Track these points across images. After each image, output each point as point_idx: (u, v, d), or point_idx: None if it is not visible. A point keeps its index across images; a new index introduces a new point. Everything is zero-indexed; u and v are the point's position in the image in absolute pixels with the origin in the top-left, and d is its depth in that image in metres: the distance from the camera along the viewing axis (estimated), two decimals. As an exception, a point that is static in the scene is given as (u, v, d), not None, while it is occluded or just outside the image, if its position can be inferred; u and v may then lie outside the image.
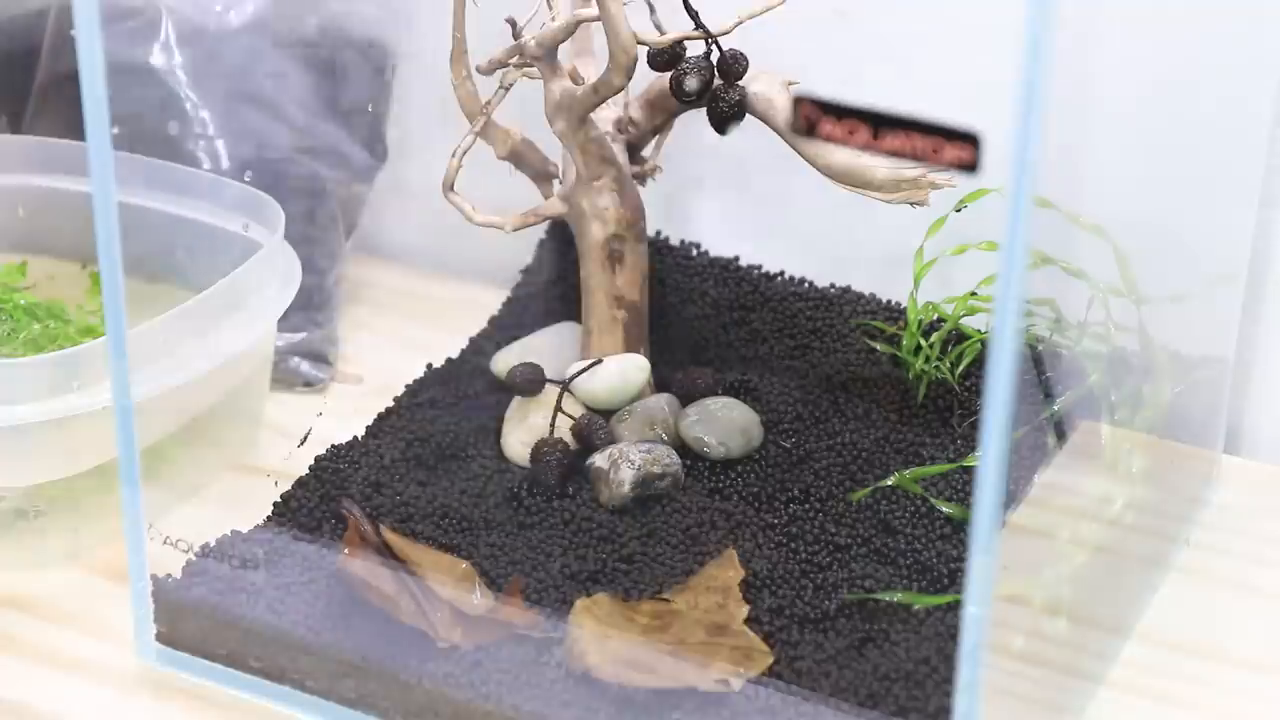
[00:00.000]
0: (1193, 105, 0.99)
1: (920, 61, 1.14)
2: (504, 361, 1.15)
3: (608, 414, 1.09)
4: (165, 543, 0.97)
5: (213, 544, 0.99)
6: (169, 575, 0.97)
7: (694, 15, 1.03)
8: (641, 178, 1.14)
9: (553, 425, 1.07)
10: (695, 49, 1.05)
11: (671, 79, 1.04)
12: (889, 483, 1.03)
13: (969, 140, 0.71)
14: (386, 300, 1.29)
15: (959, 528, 1.01)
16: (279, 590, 0.96)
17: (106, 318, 0.90)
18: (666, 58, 1.05)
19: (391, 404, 1.13)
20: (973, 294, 1.09)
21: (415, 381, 1.15)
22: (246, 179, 1.17)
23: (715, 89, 1.04)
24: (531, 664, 0.92)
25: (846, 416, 1.10)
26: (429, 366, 1.17)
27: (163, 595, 0.97)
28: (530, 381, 1.08)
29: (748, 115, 1.04)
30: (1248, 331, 1.14)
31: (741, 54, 1.04)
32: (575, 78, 1.07)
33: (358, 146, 1.25)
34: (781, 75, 1.05)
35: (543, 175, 1.14)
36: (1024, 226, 0.70)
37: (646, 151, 1.15)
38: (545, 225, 1.24)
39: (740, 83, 1.04)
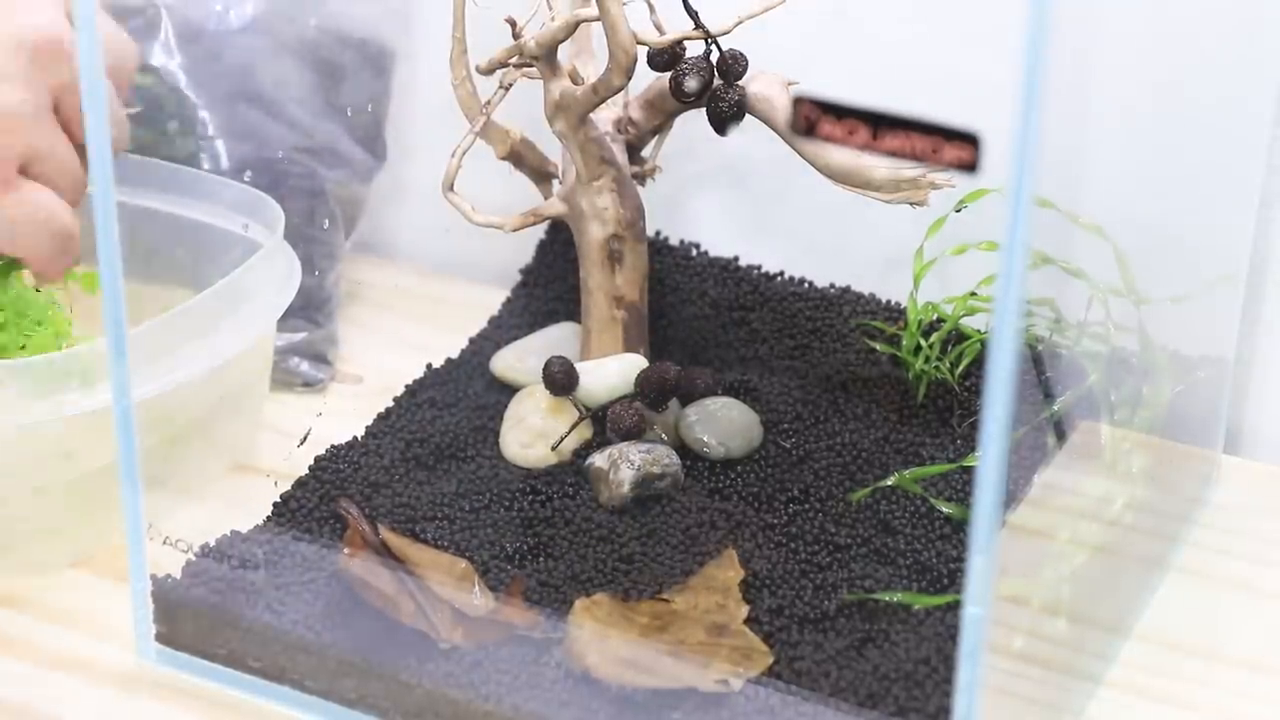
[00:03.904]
0: (1193, 105, 0.99)
1: (920, 61, 1.14)
2: (504, 361, 1.15)
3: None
4: (165, 543, 0.97)
5: (213, 544, 0.99)
6: (169, 575, 0.97)
7: (694, 15, 1.03)
8: (641, 178, 1.14)
9: (562, 438, 1.07)
10: (695, 49, 1.05)
11: (671, 79, 1.05)
12: (889, 483, 1.03)
13: (969, 140, 0.71)
14: (386, 300, 1.29)
15: (959, 528, 1.01)
16: (279, 590, 0.96)
17: (106, 318, 0.90)
18: (666, 58, 1.05)
19: (391, 404, 1.13)
20: (973, 294, 1.09)
21: (415, 381, 1.15)
22: (246, 179, 1.17)
23: (715, 89, 1.04)
24: (531, 664, 0.92)
25: (846, 416, 1.10)
26: (429, 366, 1.17)
27: (163, 595, 0.97)
28: (568, 377, 1.07)
29: (748, 115, 1.04)
30: (1248, 331, 1.14)
31: (741, 54, 1.04)
32: (575, 78, 1.07)
33: (358, 146, 1.25)
34: (781, 75, 1.05)
35: (543, 175, 1.14)
36: (1024, 226, 0.70)
37: (646, 151, 1.15)
38: (545, 225, 1.24)
39: (740, 83, 1.04)
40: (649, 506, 1.03)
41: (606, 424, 1.07)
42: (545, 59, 1.04)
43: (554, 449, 1.07)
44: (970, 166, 0.71)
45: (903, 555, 1.00)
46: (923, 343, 1.11)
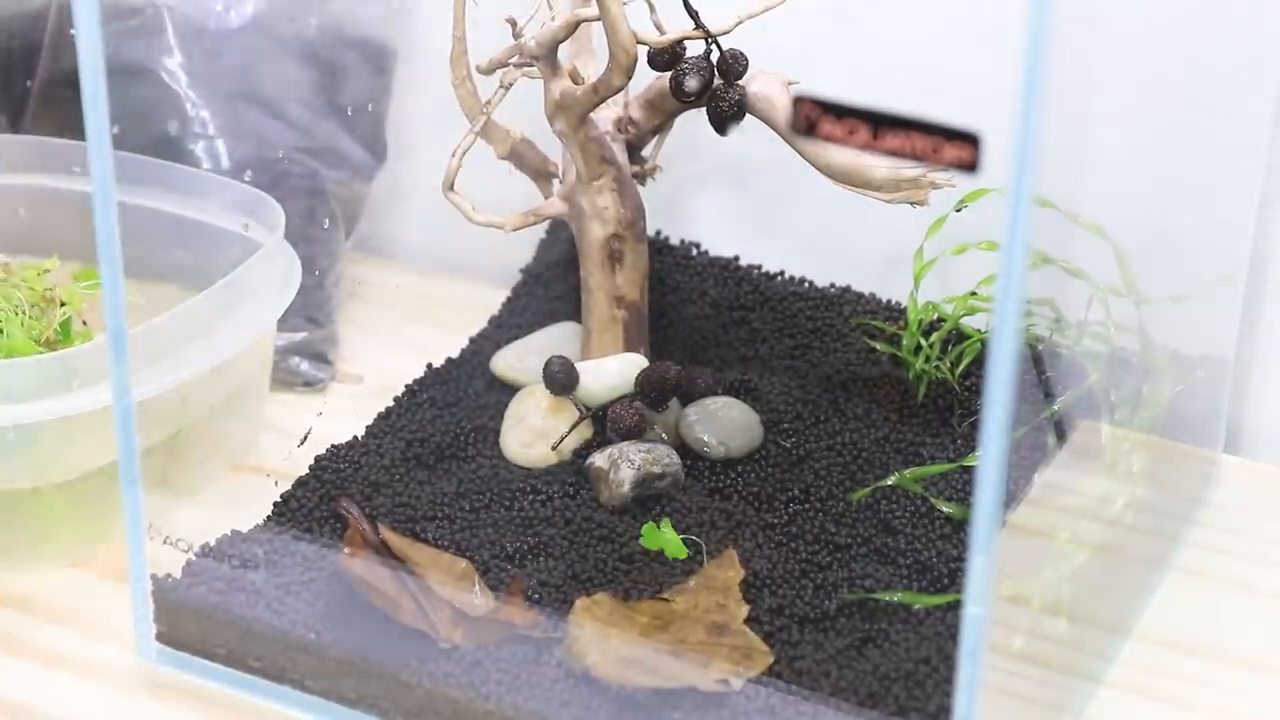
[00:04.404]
0: (1193, 105, 0.99)
1: (920, 61, 1.14)
2: (504, 361, 1.15)
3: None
4: (165, 543, 0.97)
5: (213, 544, 0.99)
6: (169, 575, 0.97)
7: (694, 15, 1.03)
8: (641, 178, 1.14)
9: (562, 438, 1.07)
10: (695, 49, 1.05)
11: (671, 79, 1.04)
12: (889, 483, 1.03)
13: (969, 140, 0.71)
14: (386, 300, 1.29)
15: (959, 528, 1.01)
16: (279, 590, 0.96)
17: (106, 318, 0.90)
18: (666, 58, 1.05)
19: (391, 404, 1.13)
20: (973, 294, 1.09)
21: (415, 381, 1.15)
22: (246, 179, 1.17)
23: (715, 89, 1.04)
24: (531, 664, 0.92)
25: (846, 416, 1.10)
26: (429, 366, 1.17)
27: (163, 595, 0.97)
28: (568, 376, 1.07)
29: (748, 115, 1.04)
30: (1248, 331, 1.14)
31: (741, 54, 1.04)
32: (575, 78, 1.07)
33: (358, 146, 1.25)
34: (781, 75, 1.05)
35: (543, 175, 1.14)
36: (1024, 226, 0.70)
37: (646, 151, 1.15)
38: (545, 225, 1.24)
39: (740, 83, 1.04)
40: (649, 506, 1.03)
41: (607, 424, 1.07)
42: (545, 59, 1.04)
43: (554, 449, 1.07)
44: (970, 166, 0.71)
45: (903, 555, 1.00)
46: (923, 342, 1.11)
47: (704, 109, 1.05)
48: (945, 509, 1.02)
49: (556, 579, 0.98)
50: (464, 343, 1.20)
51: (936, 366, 1.11)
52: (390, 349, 1.23)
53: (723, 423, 1.07)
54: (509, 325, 1.21)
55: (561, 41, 1.04)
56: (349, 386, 1.20)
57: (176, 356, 1.01)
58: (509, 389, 1.13)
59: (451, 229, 1.12)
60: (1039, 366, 1.01)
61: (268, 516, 1.03)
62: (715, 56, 1.04)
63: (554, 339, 1.16)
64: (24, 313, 1.05)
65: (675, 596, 0.96)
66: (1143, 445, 1.03)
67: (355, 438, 1.10)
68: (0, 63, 1.26)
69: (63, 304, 1.07)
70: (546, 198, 1.13)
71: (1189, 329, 1.06)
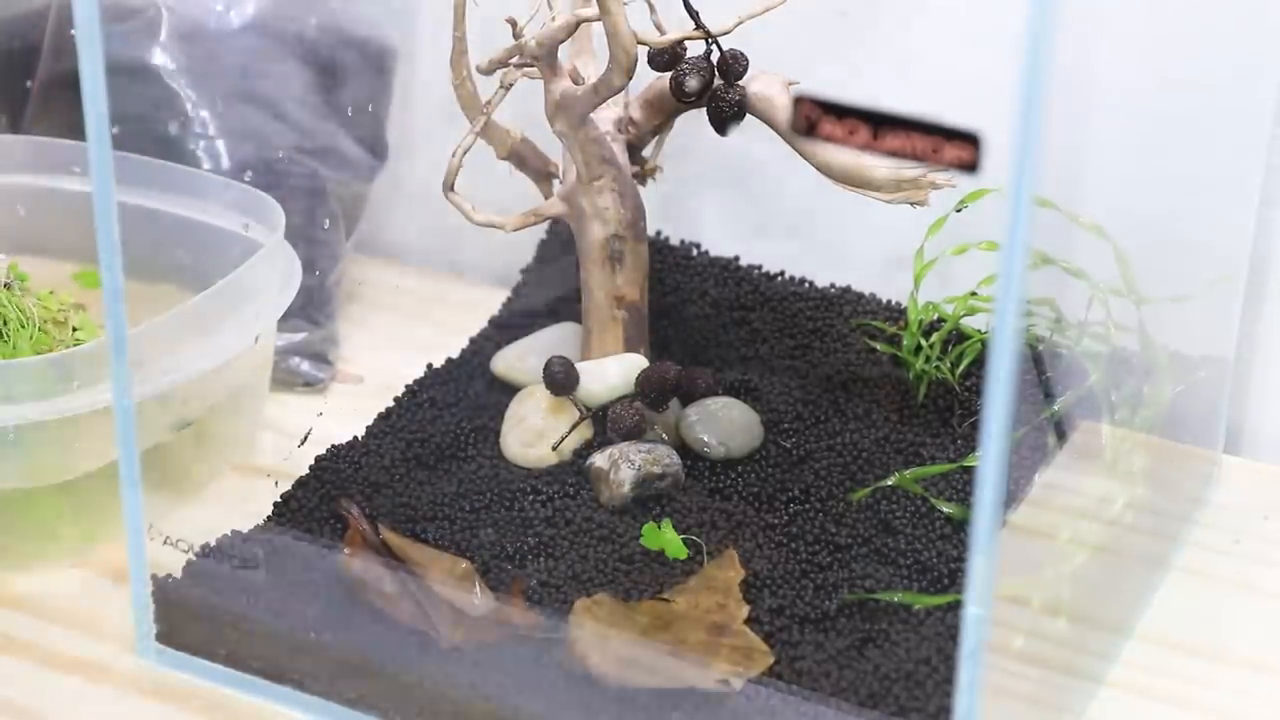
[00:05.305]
0: (1193, 105, 0.99)
1: (920, 61, 1.14)
2: (504, 361, 1.15)
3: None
4: (165, 543, 0.97)
5: (213, 544, 0.99)
6: (169, 575, 0.97)
7: (694, 15, 1.03)
8: (641, 178, 1.14)
9: (562, 438, 1.07)
10: (695, 49, 1.05)
11: (671, 79, 1.04)
12: (889, 483, 1.03)
13: (969, 140, 0.71)
14: (386, 300, 1.29)
15: (959, 528, 1.01)
16: (279, 590, 0.96)
17: (106, 318, 0.90)
18: (666, 58, 1.05)
19: (391, 404, 1.13)
20: (973, 294, 1.09)
21: (415, 381, 1.15)
22: (246, 179, 1.17)
23: (715, 89, 1.04)
24: (531, 664, 0.92)
25: (846, 416, 1.10)
26: (429, 366, 1.17)
27: (163, 595, 0.97)
28: (568, 377, 1.07)
29: (748, 115, 1.04)
30: (1248, 331, 1.14)
31: (741, 54, 1.04)
32: (575, 78, 1.07)
33: (358, 146, 1.25)
34: (781, 75, 1.05)
35: (543, 175, 1.14)
36: (1024, 226, 0.70)
37: (646, 151, 1.15)
38: (545, 225, 1.24)
39: (740, 83, 1.04)
40: (649, 506, 1.03)
41: (607, 424, 1.07)
42: (546, 59, 1.04)
43: (554, 449, 1.07)
44: (970, 166, 0.71)
45: (903, 555, 1.00)
46: (923, 343, 1.11)
47: (704, 109, 1.05)
48: (945, 509, 1.02)
49: (556, 579, 0.98)
50: (464, 343, 1.20)
51: (937, 367, 1.11)
52: (390, 349, 1.23)
53: (723, 423, 1.07)
54: (509, 325, 1.21)
55: (561, 42, 1.04)
56: (349, 386, 1.20)
57: (176, 356, 1.01)
58: (509, 389, 1.13)
59: (451, 229, 1.12)
60: (1039, 366, 1.01)
61: (268, 516, 1.03)
62: (715, 56, 1.04)
63: (554, 339, 1.16)
64: (35, 326, 1.06)
65: (675, 597, 0.96)
66: (1143, 445, 1.03)
67: (355, 438, 1.10)
68: (0, 63, 1.26)
69: (75, 329, 1.08)
70: (546, 198, 1.13)
71: (1189, 329, 1.06)
